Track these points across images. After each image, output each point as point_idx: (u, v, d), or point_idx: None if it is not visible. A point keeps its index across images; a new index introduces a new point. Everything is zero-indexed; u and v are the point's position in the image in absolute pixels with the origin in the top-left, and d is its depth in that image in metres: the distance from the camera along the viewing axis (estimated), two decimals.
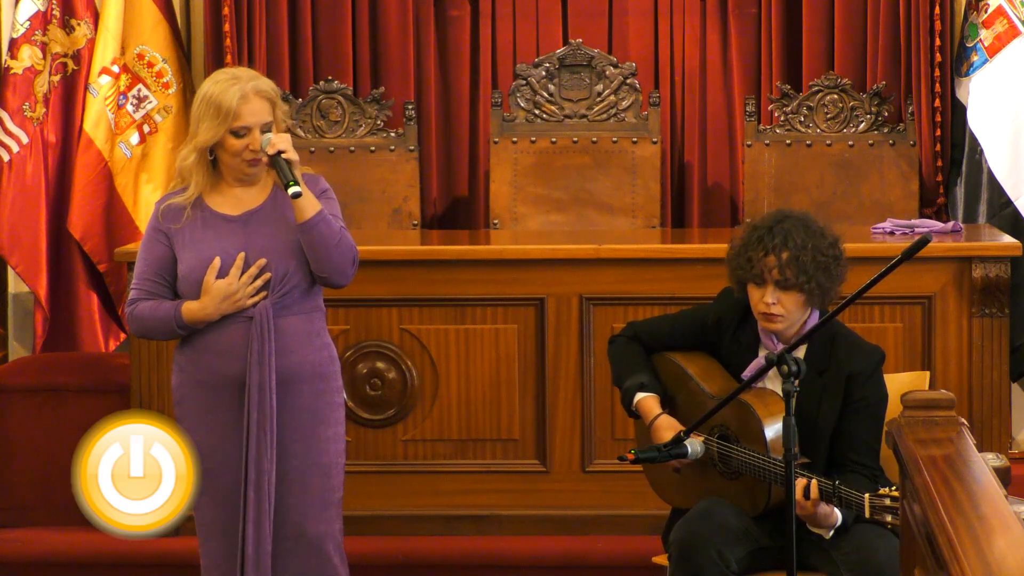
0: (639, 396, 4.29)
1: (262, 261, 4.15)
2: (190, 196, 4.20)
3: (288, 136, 4.15)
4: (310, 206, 4.13)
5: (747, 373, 4.16)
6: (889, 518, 3.84)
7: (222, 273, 4.15)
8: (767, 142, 6.34)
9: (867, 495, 3.89)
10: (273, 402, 4.14)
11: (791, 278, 4.08)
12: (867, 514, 3.90)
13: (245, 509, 4.15)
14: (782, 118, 6.36)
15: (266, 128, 4.15)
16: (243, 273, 4.15)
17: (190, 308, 4.17)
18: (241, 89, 4.12)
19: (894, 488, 3.81)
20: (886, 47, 6.35)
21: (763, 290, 4.10)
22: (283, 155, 4.10)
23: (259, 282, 4.16)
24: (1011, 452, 5.66)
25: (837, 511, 4.04)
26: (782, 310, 4.10)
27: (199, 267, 4.17)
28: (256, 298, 4.16)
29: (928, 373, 4.71)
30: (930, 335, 5.31)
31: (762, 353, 4.18)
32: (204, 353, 4.21)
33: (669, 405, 4.32)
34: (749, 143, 6.33)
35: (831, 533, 4.09)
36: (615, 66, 6.39)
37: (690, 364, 4.29)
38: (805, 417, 4.09)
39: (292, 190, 4.08)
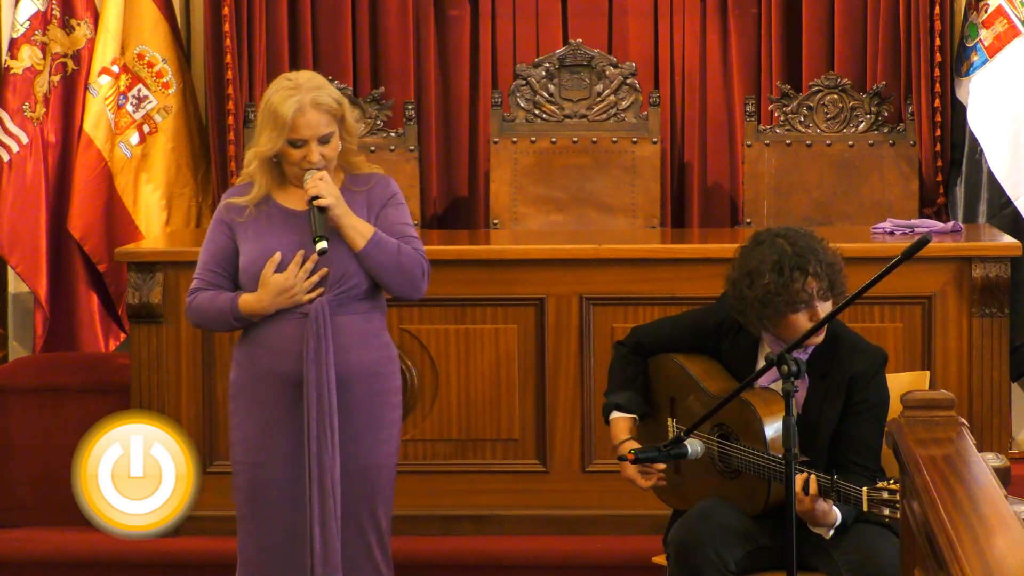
0: (613, 415, 4.32)
1: (315, 256, 4.14)
2: (254, 197, 4.21)
3: (325, 177, 4.12)
4: (359, 236, 4.14)
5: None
6: (887, 511, 3.84)
7: (281, 268, 4.15)
8: (767, 142, 6.34)
9: (865, 488, 3.89)
10: (333, 399, 4.13)
11: (828, 287, 4.09)
12: (865, 507, 3.90)
13: (311, 507, 4.14)
14: (782, 118, 6.36)
15: (325, 139, 4.14)
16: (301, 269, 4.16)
17: (246, 300, 4.17)
18: (299, 101, 4.11)
19: (892, 481, 3.81)
20: (886, 47, 6.35)
21: (810, 311, 4.09)
22: (317, 202, 4.10)
23: (315, 278, 4.15)
24: (1011, 452, 5.66)
25: (836, 509, 4.04)
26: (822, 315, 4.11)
27: (260, 260, 4.17)
28: (312, 294, 4.15)
29: (928, 373, 4.71)
30: (930, 335, 5.31)
31: (762, 357, 4.18)
32: (259, 348, 4.21)
33: (670, 406, 4.32)
34: (749, 143, 6.33)
35: (831, 532, 4.09)
36: (615, 66, 6.39)
37: (691, 364, 4.30)
38: (808, 419, 4.09)
39: (318, 246, 4.08)
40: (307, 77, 4.21)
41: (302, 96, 4.12)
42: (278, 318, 4.17)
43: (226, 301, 4.19)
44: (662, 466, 4.24)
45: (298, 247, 4.15)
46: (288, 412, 4.17)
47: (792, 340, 4.07)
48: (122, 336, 6.39)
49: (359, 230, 4.14)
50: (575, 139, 6.36)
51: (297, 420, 4.15)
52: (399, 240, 4.21)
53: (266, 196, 4.22)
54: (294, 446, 4.16)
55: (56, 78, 6.37)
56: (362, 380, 4.19)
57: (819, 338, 4.12)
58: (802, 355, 4.09)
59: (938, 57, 6.26)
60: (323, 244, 4.08)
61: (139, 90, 6.40)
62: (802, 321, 4.09)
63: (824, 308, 4.10)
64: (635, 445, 4.24)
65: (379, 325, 4.26)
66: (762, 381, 4.16)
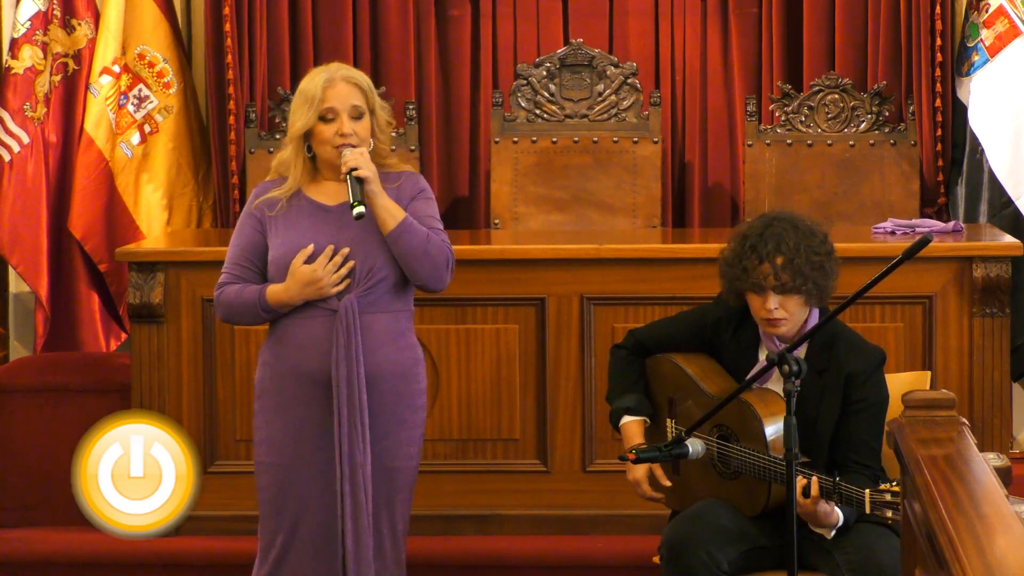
0: (624, 420, 4.32)
1: (345, 250, 4.15)
2: (288, 190, 4.23)
3: (363, 152, 4.14)
4: (390, 217, 4.13)
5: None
6: (890, 513, 3.84)
7: (312, 260, 4.15)
8: (768, 142, 6.34)
9: (867, 491, 3.89)
10: (364, 396, 4.13)
11: (788, 282, 4.08)
12: (867, 509, 3.89)
13: (342, 504, 4.14)
14: (783, 118, 6.36)
15: (356, 113, 4.17)
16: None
17: (274, 291, 4.18)
18: (328, 76, 4.19)
19: (894, 483, 3.81)
20: (887, 47, 6.35)
21: (763, 297, 4.10)
22: (355, 172, 4.10)
23: (343, 270, 4.15)
24: (1012, 452, 5.66)
25: (838, 510, 4.04)
26: (784, 314, 4.10)
27: (289, 253, 4.17)
28: (340, 287, 4.15)
29: (929, 373, 4.70)
30: (931, 335, 5.31)
31: (762, 353, 4.18)
32: (286, 347, 4.20)
33: (668, 407, 4.32)
34: (750, 143, 6.33)
35: (832, 533, 4.08)
36: (616, 66, 6.39)
37: (690, 365, 4.29)
38: (805, 418, 4.09)
39: (355, 211, 4.08)
40: (337, 63, 4.29)
41: (331, 72, 4.20)
42: (306, 316, 4.18)
43: (254, 293, 4.20)
44: (668, 483, 4.24)
45: (327, 242, 4.16)
46: (315, 411, 4.17)
47: (756, 319, 4.14)
48: (123, 336, 6.38)
49: (391, 211, 4.15)
50: (576, 139, 6.36)
51: (324, 419, 4.15)
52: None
53: (297, 191, 4.23)
54: (320, 445, 4.16)
55: (57, 78, 6.37)
56: (388, 380, 4.19)
57: (788, 327, 4.12)
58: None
59: (939, 57, 6.26)
60: (360, 208, 4.07)
61: (140, 90, 6.40)
62: (756, 303, 4.11)
63: (782, 301, 4.09)
64: None
65: (407, 326, 4.25)
66: (759, 381, 4.16)
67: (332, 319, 4.15)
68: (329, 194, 4.22)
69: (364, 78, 4.24)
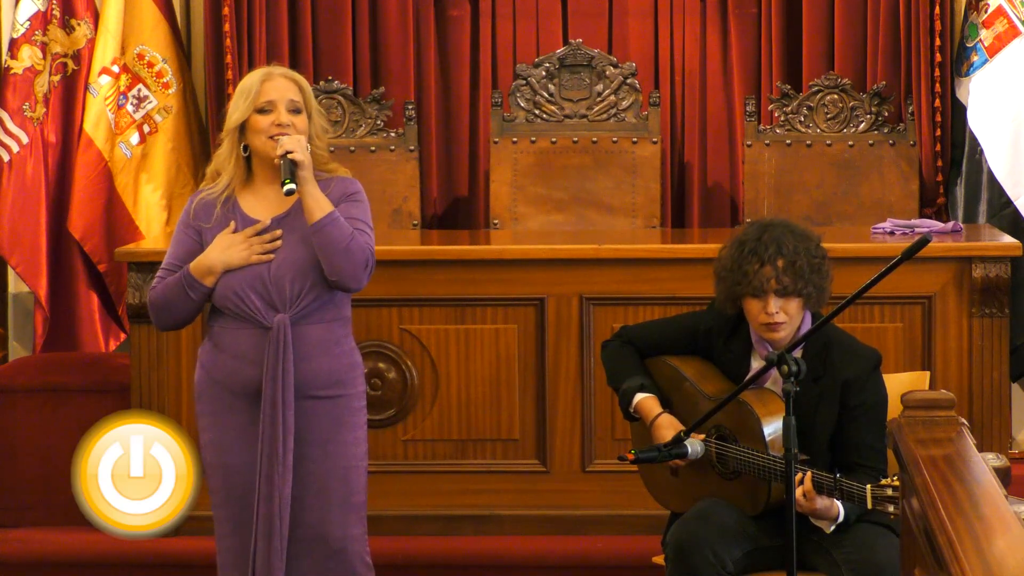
0: (639, 397, 4.29)
1: (278, 232, 4.15)
2: (221, 189, 4.22)
3: (301, 139, 4.12)
4: (318, 208, 4.11)
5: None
6: (892, 508, 3.84)
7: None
8: (767, 142, 6.34)
9: (869, 486, 3.89)
10: (290, 418, 4.12)
11: (790, 285, 4.09)
12: (869, 505, 3.90)
13: (256, 523, 4.13)
14: (782, 118, 6.36)
15: (293, 107, 4.16)
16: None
17: (195, 260, 4.17)
18: (267, 71, 4.21)
19: (895, 478, 3.81)
20: (886, 47, 6.35)
21: (764, 301, 4.10)
22: (289, 155, 4.09)
23: (270, 245, 4.14)
24: (1011, 452, 5.66)
25: (839, 503, 4.04)
26: (785, 317, 4.11)
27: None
28: (266, 257, 4.13)
29: (928, 373, 4.71)
30: (930, 335, 5.31)
31: (755, 362, 4.19)
32: (222, 353, 4.20)
33: (666, 407, 4.31)
34: (749, 143, 6.33)
35: (832, 527, 4.09)
36: (615, 66, 6.39)
37: (685, 366, 4.29)
38: (802, 422, 4.08)
39: (285, 188, 4.07)
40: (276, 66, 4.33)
41: (270, 69, 4.23)
42: (240, 328, 4.16)
43: (179, 275, 4.19)
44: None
45: (258, 261, 4.16)
46: (248, 418, 4.16)
47: (753, 326, 4.14)
48: (122, 336, 6.39)
49: (320, 202, 4.12)
50: (575, 139, 6.36)
51: (257, 426, 4.15)
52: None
53: (232, 199, 4.22)
54: (256, 451, 4.17)
55: (56, 78, 6.37)
56: (324, 388, 4.18)
57: (786, 332, 4.12)
58: None
59: (938, 57, 6.26)
60: (291, 186, 4.06)
61: (139, 90, 6.40)
62: (756, 308, 4.11)
63: (782, 305, 4.09)
64: (672, 418, 4.22)
65: (341, 334, 4.24)
66: (756, 383, 4.16)
67: (265, 335, 4.13)
68: (263, 207, 4.22)
69: (303, 79, 4.25)
